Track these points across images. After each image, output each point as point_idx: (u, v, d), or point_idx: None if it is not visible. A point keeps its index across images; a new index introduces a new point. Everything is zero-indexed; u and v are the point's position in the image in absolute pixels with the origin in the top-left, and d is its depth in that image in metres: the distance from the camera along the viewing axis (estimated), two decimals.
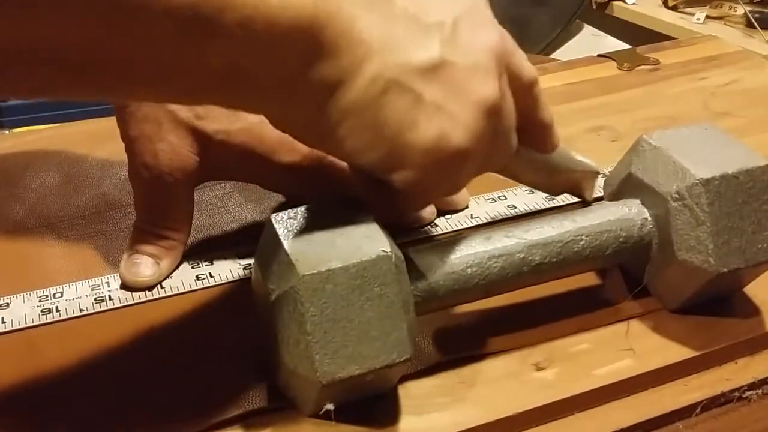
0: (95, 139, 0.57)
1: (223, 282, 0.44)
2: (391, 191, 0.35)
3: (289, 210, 0.36)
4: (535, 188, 0.48)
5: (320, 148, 0.35)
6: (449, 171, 0.35)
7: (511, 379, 0.39)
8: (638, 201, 0.42)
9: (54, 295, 0.43)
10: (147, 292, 0.43)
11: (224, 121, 0.43)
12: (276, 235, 0.35)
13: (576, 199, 0.51)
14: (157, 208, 0.45)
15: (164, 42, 0.27)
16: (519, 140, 0.38)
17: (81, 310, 0.42)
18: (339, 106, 0.32)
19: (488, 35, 0.34)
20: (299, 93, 0.31)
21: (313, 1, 0.29)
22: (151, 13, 0.25)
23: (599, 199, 0.48)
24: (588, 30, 1.08)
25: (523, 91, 0.37)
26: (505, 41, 0.35)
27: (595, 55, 0.75)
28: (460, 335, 0.41)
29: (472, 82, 0.33)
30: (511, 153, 0.38)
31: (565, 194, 0.52)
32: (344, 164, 0.45)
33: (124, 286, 0.44)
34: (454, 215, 0.50)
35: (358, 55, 0.31)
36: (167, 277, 0.44)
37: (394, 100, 0.32)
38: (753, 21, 0.98)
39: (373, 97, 0.32)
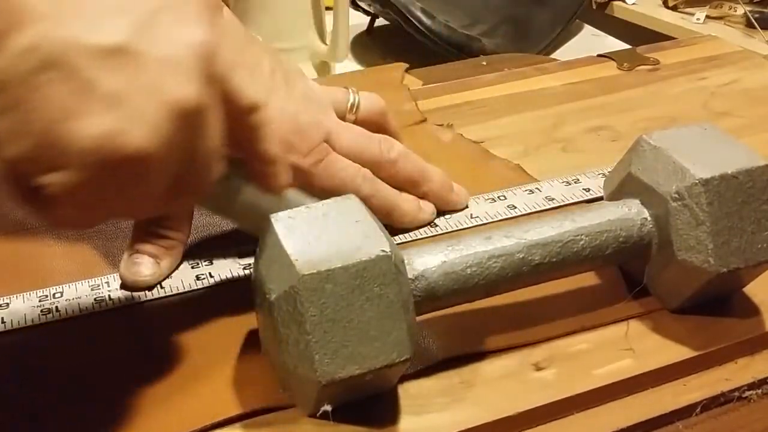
0: None
1: (223, 282, 0.44)
2: (46, 200, 0.29)
3: (289, 210, 0.36)
4: (249, 232, 0.42)
5: None
6: (123, 181, 0.29)
7: (510, 379, 0.39)
8: (638, 201, 0.42)
9: (54, 295, 0.43)
10: (147, 292, 0.43)
11: None
12: (276, 235, 0.35)
13: (577, 199, 0.51)
14: None
15: None
16: (250, 176, 0.35)
17: (81, 310, 0.42)
18: None
19: (196, 32, 0.30)
20: None
21: None
22: None
23: (600, 198, 0.48)
24: (588, 30, 1.07)
25: (239, 116, 0.33)
26: (222, 51, 0.31)
27: (595, 55, 0.75)
28: (459, 335, 0.41)
29: (166, 79, 0.28)
30: (208, 181, 0.33)
31: (570, 195, 0.52)
32: (345, 163, 0.46)
33: (124, 286, 0.44)
34: (454, 215, 0.50)
35: (11, 15, 0.26)
36: (167, 277, 0.44)
37: (54, 82, 0.27)
38: (753, 21, 0.98)
39: (24, 73, 0.26)
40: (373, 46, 0.99)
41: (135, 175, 0.29)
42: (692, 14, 1.07)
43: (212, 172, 0.33)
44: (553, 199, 0.52)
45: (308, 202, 0.39)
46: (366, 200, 0.39)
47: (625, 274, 0.44)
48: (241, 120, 0.34)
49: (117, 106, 0.27)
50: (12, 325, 0.41)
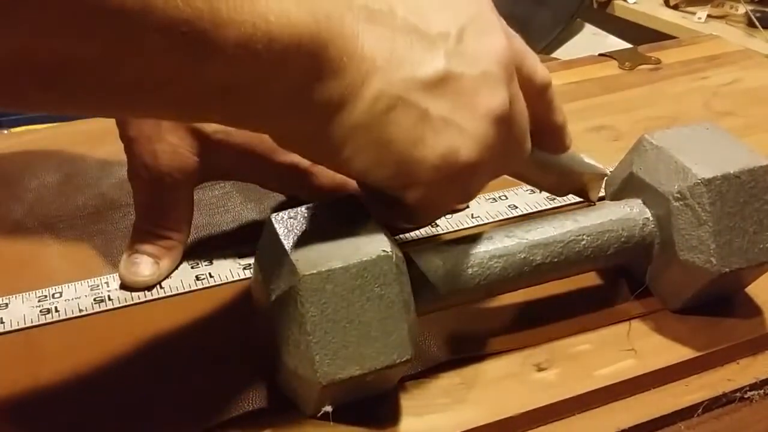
0: (94, 138, 0.57)
1: (222, 282, 0.44)
2: (403, 207, 0.35)
3: (289, 210, 0.36)
4: (541, 189, 0.48)
5: (328, 166, 0.35)
6: (460, 184, 0.34)
7: (512, 380, 0.38)
8: (640, 201, 0.41)
9: (53, 295, 0.43)
10: (146, 292, 0.43)
11: None
12: (276, 235, 0.34)
13: (578, 199, 0.51)
14: (156, 208, 0.44)
15: (157, 56, 0.25)
16: (539, 142, 0.38)
17: (80, 311, 0.42)
18: (343, 125, 0.31)
19: (496, 42, 0.33)
20: (300, 112, 0.30)
21: (314, 18, 0.28)
22: (144, 26, 0.24)
23: (601, 198, 0.48)
24: (589, 29, 1.07)
25: (536, 95, 0.37)
26: (513, 45, 0.34)
27: (596, 54, 0.75)
28: (460, 335, 0.41)
29: (480, 94, 0.32)
30: (524, 157, 0.37)
31: (567, 195, 0.52)
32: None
33: (124, 286, 0.43)
34: (455, 215, 0.50)
35: (362, 73, 0.30)
36: (167, 277, 0.44)
37: (400, 117, 0.31)
38: (754, 20, 0.98)
39: (378, 115, 0.31)
40: None
41: (467, 179, 0.34)
42: (693, 13, 1.07)
43: (525, 149, 0.37)
44: (554, 198, 0.51)
45: (585, 156, 0.43)
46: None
47: (626, 275, 0.44)
48: (537, 97, 0.37)
49: (447, 127, 0.32)
50: (11, 326, 0.41)
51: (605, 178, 0.46)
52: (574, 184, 0.45)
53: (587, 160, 0.44)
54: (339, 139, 0.31)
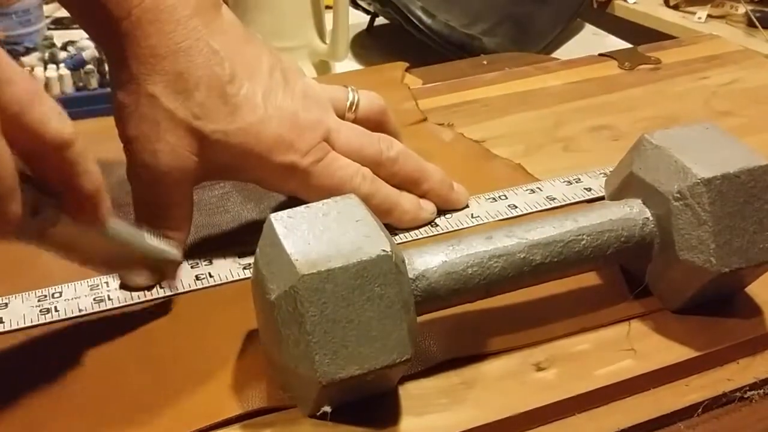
0: (93, 138, 0.56)
1: (222, 282, 0.44)
2: None
3: (289, 210, 0.36)
4: (96, 270, 0.43)
5: None
6: None
7: (511, 380, 0.38)
8: (639, 200, 0.41)
9: (53, 295, 0.43)
10: (146, 292, 0.43)
11: (222, 121, 0.43)
12: (276, 234, 0.34)
13: (578, 199, 0.51)
14: (155, 208, 0.44)
15: None
16: (66, 210, 0.34)
17: (80, 310, 0.42)
18: None
19: None
20: None
21: None
22: None
23: (601, 198, 0.48)
24: (589, 29, 1.07)
25: (49, 152, 0.31)
26: (18, 86, 0.29)
27: (596, 54, 0.75)
28: (460, 335, 0.41)
29: None
30: (10, 222, 0.30)
31: (571, 195, 0.52)
32: (344, 162, 0.45)
33: (123, 286, 0.43)
34: (454, 215, 0.50)
35: None
36: None
37: None
38: (754, 20, 0.98)
39: None
40: (373, 46, 0.99)
41: None
42: (693, 13, 1.07)
43: (6, 213, 0.30)
44: (554, 198, 0.51)
45: (152, 239, 0.37)
46: (366, 199, 0.39)
47: (626, 274, 0.44)
48: (50, 155, 0.32)
49: None
50: (11, 325, 0.41)
51: (605, 179, 0.45)
52: (139, 267, 0.41)
53: (155, 243, 0.40)
54: None
